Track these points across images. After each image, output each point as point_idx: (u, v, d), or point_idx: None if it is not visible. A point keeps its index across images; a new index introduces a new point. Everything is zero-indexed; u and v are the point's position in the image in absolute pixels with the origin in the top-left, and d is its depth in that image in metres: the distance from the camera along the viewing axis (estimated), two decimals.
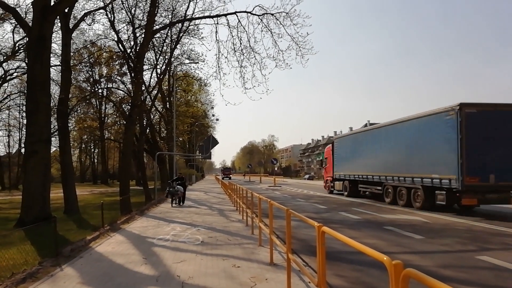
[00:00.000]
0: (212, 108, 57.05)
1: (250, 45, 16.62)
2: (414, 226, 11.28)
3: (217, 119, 61.52)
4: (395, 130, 17.62)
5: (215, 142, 29.88)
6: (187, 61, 27.33)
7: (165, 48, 24.93)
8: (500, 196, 13.58)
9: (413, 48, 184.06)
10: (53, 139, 23.84)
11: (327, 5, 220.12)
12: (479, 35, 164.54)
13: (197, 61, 26.03)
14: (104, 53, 25.58)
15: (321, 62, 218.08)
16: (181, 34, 23.16)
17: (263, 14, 16.08)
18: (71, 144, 23.26)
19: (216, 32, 19.16)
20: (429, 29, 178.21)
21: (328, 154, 27.02)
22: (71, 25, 16.05)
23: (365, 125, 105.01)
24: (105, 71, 30.38)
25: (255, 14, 16.18)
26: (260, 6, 16.18)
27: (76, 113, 32.36)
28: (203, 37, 26.86)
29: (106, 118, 43.85)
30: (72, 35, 17.06)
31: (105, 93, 31.94)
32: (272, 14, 15.91)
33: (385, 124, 18.92)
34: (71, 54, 18.21)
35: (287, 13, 15.60)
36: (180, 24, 21.83)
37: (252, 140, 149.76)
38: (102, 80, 30.78)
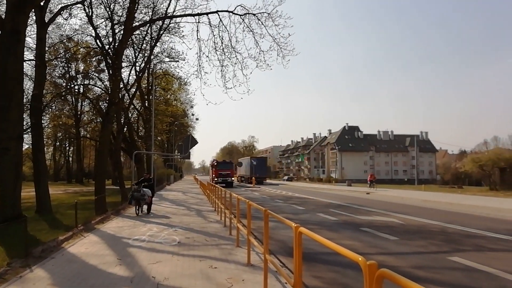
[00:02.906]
0: (192, 107, 56.49)
1: (231, 45, 16.55)
2: (390, 227, 11.50)
3: (196, 119, 61.13)
4: (246, 160, 61.20)
5: (194, 142, 29.53)
6: (167, 59, 27.00)
7: (144, 45, 24.56)
8: (261, 180, 54.75)
9: (400, 52, 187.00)
10: (25, 136, 23.01)
11: (315, 7, 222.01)
12: (466, 38, 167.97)
13: (177, 59, 25.75)
14: (81, 49, 24.93)
15: (304, 64, 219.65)
16: (161, 32, 22.84)
17: (245, 14, 16.04)
18: (44, 142, 22.58)
19: (197, 30, 18.71)
20: (416, 33, 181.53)
21: (237, 166, 62.11)
22: (46, 19, 15.53)
23: (344, 128, 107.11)
24: (82, 68, 29.64)
25: (236, 14, 16.13)
26: (242, 6, 16.13)
27: (50, 109, 31.42)
28: (184, 35, 26.41)
29: (82, 115, 42.78)
30: (48, 29, 16.54)
31: (81, 90, 31.17)
32: (254, 14, 15.90)
33: (247, 158, 64.82)
34: (46, 48, 17.66)
35: (268, 13, 15.62)
36: (160, 21, 21.51)
37: (232, 141, 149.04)
38: (78, 76, 30.00)
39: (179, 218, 12.79)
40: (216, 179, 43.70)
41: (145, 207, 14.41)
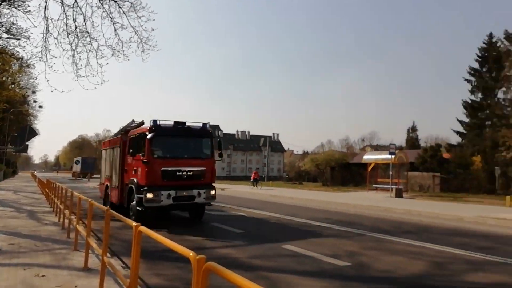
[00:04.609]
0: (34, 93, 47.81)
1: (86, 29, 14.81)
2: (237, 221, 12.32)
3: (40, 106, 52.61)
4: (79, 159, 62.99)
5: (32, 133, 25.68)
6: (5, 35, 22.71)
7: None
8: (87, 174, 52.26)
9: (259, 59, 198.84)
10: None
11: (178, 11, 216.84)
12: (314, 52, 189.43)
13: (18, 37, 21.87)
14: None
15: (166, 62, 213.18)
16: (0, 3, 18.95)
17: None
18: None
19: (45, 7, 15.98)
20: (274, 42, 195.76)
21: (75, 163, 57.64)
22: None
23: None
24: None
25: None
26: None
27: None
28: (29, 10, 22.19)
29: None
30: None
31: None
32: (115, 1, 14.65)
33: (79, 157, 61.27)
34: None
35: (131, 3, 14.59)
36: None
37: (84, 134, 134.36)
38: None
39: (3, 222, 10.86)
40: (149, 193, 10.61)
41: None
